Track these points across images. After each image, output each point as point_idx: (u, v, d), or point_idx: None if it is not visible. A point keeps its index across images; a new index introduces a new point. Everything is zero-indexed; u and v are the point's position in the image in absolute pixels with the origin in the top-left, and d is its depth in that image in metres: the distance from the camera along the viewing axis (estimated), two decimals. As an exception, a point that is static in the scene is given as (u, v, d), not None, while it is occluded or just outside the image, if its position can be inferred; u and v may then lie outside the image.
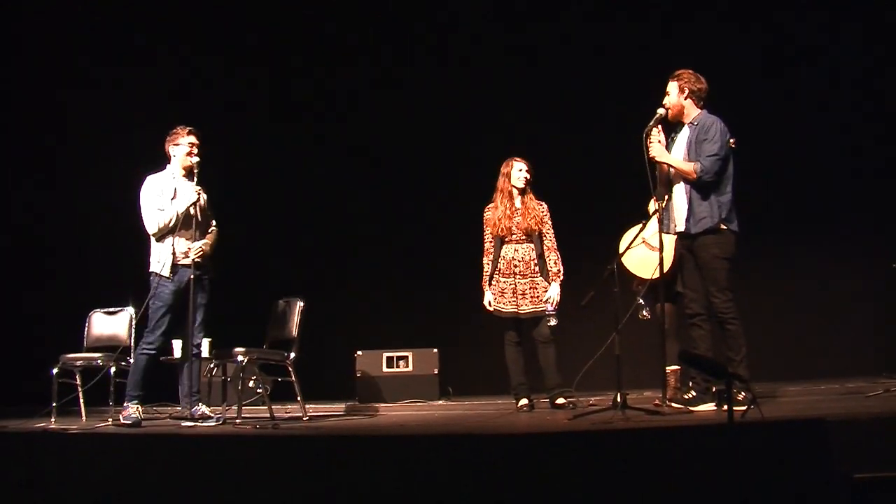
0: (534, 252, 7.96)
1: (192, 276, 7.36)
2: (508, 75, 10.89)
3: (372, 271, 10.89)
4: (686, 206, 6.88)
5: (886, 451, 4.84)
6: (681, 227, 6.94)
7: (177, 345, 8.35)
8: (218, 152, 7.96)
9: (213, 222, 7.82)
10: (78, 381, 8.49)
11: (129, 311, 8.73)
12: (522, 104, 10.74)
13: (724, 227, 6.79)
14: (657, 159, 6.88)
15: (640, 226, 7.19)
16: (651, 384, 7.87)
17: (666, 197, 7.00)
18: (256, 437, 6.22)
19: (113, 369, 8.30)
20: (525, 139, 9.62)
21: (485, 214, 8.11)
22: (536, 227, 7.96)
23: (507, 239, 7.97)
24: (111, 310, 8.87)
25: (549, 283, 7.91)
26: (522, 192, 8.03)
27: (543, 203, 8.11)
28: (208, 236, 7.65)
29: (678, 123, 7.07)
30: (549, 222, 8.08)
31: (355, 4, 11.32)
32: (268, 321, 8.27)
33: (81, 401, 8.48)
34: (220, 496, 5.05)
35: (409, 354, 9.65)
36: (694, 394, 6.89)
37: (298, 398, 7.87)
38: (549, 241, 8.03)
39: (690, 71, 7.02)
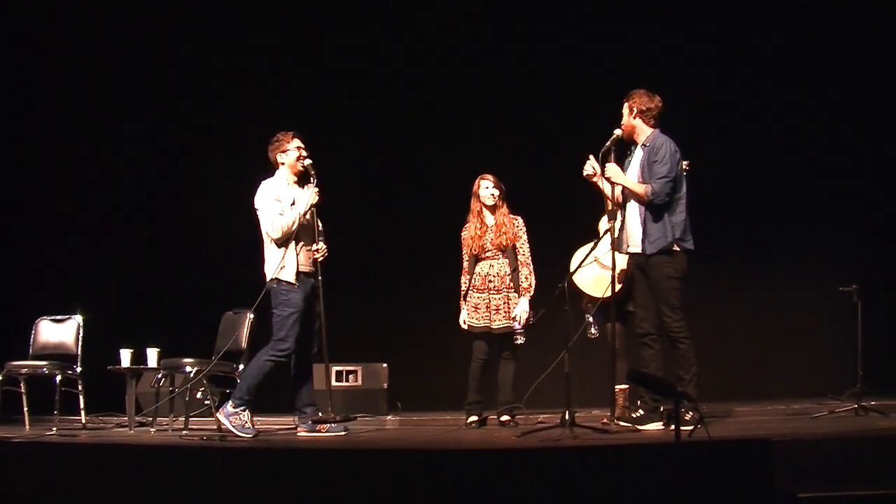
0: (509, 267, 7.94)
1: (316, 283, 7.33)
2: (480, 90, 10.84)
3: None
4: (640, 227, 6.92)
5: (830, 471, 4.89)
6: (634, 248, 6.97)
7: (124, 354, 8.26)
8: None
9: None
10: (22, 389, 8.38)
11: (77, 319, 8.65)
12: (490, 118, 10.73)
13: (678, 248, 6.84)
14: (612, 180, 6.92)
15: (592, 244, 7.22)
16: (601, 403, 7.88)
17: (619, 216, 7.04)
18: (203, 449, 6.18)
19: (59, 377, 8.20)
20: (495, 153, 9.67)
21: (462, 234, 8.11)
22: (509, 243, 7.93)
23: (481, 256, 7.97)
24: (58, 317, 8.78)
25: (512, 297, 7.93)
26: (493, 208, 8.01)
27: (518, 217, 8.10)
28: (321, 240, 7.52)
29: (633, 143, 7.11)
30: (524, 236, 8.05)
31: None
32: (217, 333, 8.21)
33: (25, 409, 8.36)
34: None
35: (358, 369, 9.62)
36: (642, 413, 6.92)
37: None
38: (523, 255, 8.01)
39: (643, 91, 7.05)
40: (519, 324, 7.79)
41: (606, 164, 6.90)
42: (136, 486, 5.13)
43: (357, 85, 11.15)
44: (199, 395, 8.27)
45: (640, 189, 6.86)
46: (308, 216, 7.29)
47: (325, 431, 7.18)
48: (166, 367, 7.96)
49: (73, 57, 10.86)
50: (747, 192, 10.46)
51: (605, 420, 6.93)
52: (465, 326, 7.96)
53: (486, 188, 8.00)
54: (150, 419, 8.18)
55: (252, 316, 8.00)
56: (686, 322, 6.85)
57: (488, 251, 7.95)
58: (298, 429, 7.36)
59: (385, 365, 9.64)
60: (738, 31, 10.60)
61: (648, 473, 4.58)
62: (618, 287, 6.95)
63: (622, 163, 7.06)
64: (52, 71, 10.96)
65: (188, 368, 7.60)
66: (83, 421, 8.40)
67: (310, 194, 7.29)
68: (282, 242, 7.21)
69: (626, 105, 7.03)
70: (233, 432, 6.95)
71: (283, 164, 7.40)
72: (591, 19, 10.76)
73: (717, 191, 9.46)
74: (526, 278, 7.95)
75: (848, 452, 5.21)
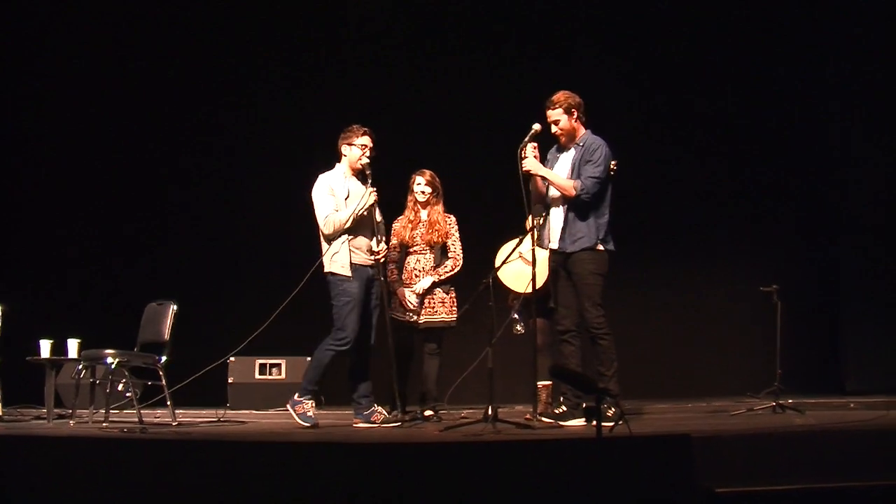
0: (434, 262, 7.96)
1: (374, 275, 7.36)
2: (419, 87, 10.85)
3: (247, 277, 10.74)
4: (562, 224, 6.98)
5: (747, 467, 4.99)
6: (555, 245, 7.03)
7: (44, 345, 8.14)
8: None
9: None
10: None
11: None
12: (426, 115, 10.73)
13: (601, 248, 6.91)
14: (532, 172, 6.97)
15: (517, 240, 7.27)
16: (524, 399, 7.93)
17: (543, 213, 7.10)
18: (123, 440, 6.10)
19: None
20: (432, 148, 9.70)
21: (394, 225, 8.11)
22: (440, 240, 7.95)
23: (410, 248, 7.99)
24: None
25: (445, 291, 7.96)
26: (426, 204, 8.02)
27: (451, 216, 8.13)
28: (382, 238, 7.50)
29: (561, 147, 7.18)
30: (456, 234, 8.08)
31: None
32: (140, 323, 8.12)
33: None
34: (85, 500, 4.95)
35: (283, 362, 9.57)
36: (564, 409, 6.98)
37: (168, 403, 7.74)
38: (453, 252, 8.02)
39: (564, 92, 7.10)
40: (414, 295, 7.84)
41: (524, 158, 6.95)
42: (55, 479, 5.06)
43: (300, 77, 11.08)
44: (120, 386, 8.16)
45: (568, 183, 6.92)
46: (366, 213, 7.31)
47: (381, 422, 7.24)
48: (87, 359, 7.83)
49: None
50: (670, 190, 10.59)
51: (527, 416, 6.98)
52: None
53: (419, 185, 8.03)
54: (70, 411, 8.06)
55: (175, 307, 7.91)
56: (607, 318, 6.92)
57: (416, 245, 7.97)
58: (354, 420, 7.40)
59: (309, 358, 9.57)
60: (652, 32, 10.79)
61: (570, 469, 4.62)
62: (540, 283, 7.03)
63: (543, 161, 7.12)
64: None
65: (109, 360, 7.49)
66: (-1, 413, 8.27)
67: (366, 194, 7.30)
68: (333, 237, 7.29)
69: (559, 111, 7.04)
70: (295, 420, 7.10)
71: (345, 155, 7.47)
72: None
73: (639, 190, 9.55)
74: (444, 266, 7.96)
75: (765, 449, 5.32)
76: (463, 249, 8.08)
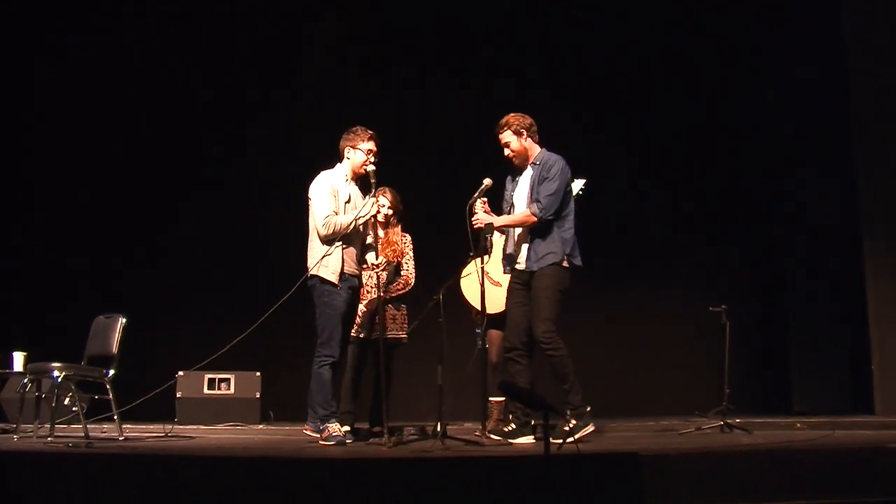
0: (387, 281, 7.90)
1: (358, 288, 7.20)
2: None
3: (197, 291, 10.68)
4: (528, 244, 6.99)
5: (695, 486, 5.00)
6: (521, 265, 7.03)
7: (17, 357, 8.03)
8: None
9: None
10: None
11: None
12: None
13: (567, 264, 6.94)
14: (486, 225, 7.02)
15: (480, 259, 7.20)
16: (476, 416, 7.92)
17: (490, 234, 7.16)
18: (69, 455, 6.03)
19: None
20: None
21: None
22: (395, 259, 7.90)
23: (364, 266, 7.93)
24: None
25: (396, 307, 7.93)
26: (385, 223, 7.96)
27: (407, 235, 8.07)
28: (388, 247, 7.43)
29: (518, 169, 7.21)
30: (410, 254, 8.03)
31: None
32: (87, 336, 8.02)
33: None
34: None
35: (231, 377, 9.52)
36: (514, 426, 6.98)
37: (115, 417, 7.65)
38: (406, 271, 7.96)
39: (513, 114, 7.15)
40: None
41: (476, 215, 6.98)
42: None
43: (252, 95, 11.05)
44: (66, 401, 8.08)
45: (526, 215, 6.96)
46: (363, 226, 7.17)
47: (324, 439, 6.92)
48: (33, 372, 7.72)
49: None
50: (619, 212, 10.66)
51: (477, 433, 6.98)
52: None
53: (382, 205, 7.90)
54: (14, 426, 7.95)
55: (124, 320, 7.82)
56: (556, 333, 6.88)
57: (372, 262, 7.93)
58: (305, 426, 7.17)
59: (258, 374, 9.56)
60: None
61: (518, 486, 4.62)
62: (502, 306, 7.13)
63: (501, 194, 7.20)
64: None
65: (56, 373, 7.39)
66: (-58, 427, 8.16)
67: (368, 204, 7.11)
68: (328, 240, 7.05)
69: (509, 133, 7.09)
70: (328, 445, 6.77)
71: (348, 158, 7.26)
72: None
73: (589, 208, 9.58)
74: (397, 284, 7.91)
75: (712, 468, 5.33)
76: (416, 268, 8.05)
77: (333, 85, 10.89)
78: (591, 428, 6.87)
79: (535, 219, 6.93)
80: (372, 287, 7.87)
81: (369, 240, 7.31)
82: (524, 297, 7.02)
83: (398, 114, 10.48)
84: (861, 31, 10.32)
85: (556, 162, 7.03)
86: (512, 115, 7.12)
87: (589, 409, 6.93)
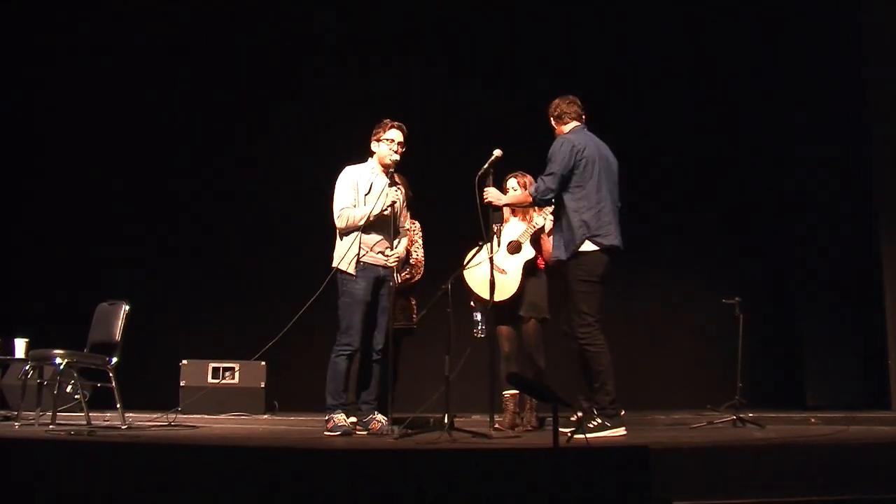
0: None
1: (384, 276, 7.04)
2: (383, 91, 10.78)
3: (203, 279, 10.63)
4: (559, 235, 6.82)
5: (705, 480, 4.94)
6: (560, 255, 6.82)
7: (19, 343, 7.96)
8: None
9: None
10: None
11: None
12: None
13: (593, 247, 6.69)
14: (496, 203, 6.92)
15: (478, 247, 7.12)
16: (482, 408, 7.86)
17: (500, 223, 7.04)
18: (70, 443, 5.96)
19: None
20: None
21: None
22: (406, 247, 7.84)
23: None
24: None
25: (405, 297, 7.89)
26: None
27: (416, 222, 8.03)
28: (405, 239, 7.29)
29: None
30: (419, 241, 8.02)
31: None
32: (90, 324, 7.94)
33: None
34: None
35: (236, 366, 9.46)
36: (598, 421, 6.59)
37: (118, 405, 7.58)
38: (414, 258, 7.94)
39: (559, 98, 6.99)
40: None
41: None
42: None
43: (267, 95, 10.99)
44: (69, 388, 8.01)
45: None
46: (387, 212, 7.02)
47: (378, 430, 6.89)
48: (35, 359, 7.66)
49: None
50: (632, 203, 10.55)
51: (496, 425, 6.99)
52: None
53: None
54: (16, 413, 7.89)
55: (127, 308, 7.73)
56: (595, 328, 6.67)
57: None
58: (356, 427, 7.06)
59: (263, 363, 9.49)
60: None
61: (526, 479, 4.54)
62: (511, 293, 7.09)
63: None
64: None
65: (58, 360, 7.32)
66: (-57, 414, 8.10)
67: (383, 193, 7.03)
68: (346, 232, 7.01)
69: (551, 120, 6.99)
70: (333, 436, 6.71)
71: (374, 152, 7.20)
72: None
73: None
74: (406, 273, 7.85)
75: (724, 462, 5.26)
76: (426, 255, 7.97)
77: (340, 82, 10.89)
78: (620, 431, 6.53)
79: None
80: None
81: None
82: (567, 287, 6.84)
83: (405, 102, 10.40)
84: (878, 18, 10.19)
85: (562, 144, 6.77)
86: (557, 99, 6.98)
87: (623, 412, 6.70)
